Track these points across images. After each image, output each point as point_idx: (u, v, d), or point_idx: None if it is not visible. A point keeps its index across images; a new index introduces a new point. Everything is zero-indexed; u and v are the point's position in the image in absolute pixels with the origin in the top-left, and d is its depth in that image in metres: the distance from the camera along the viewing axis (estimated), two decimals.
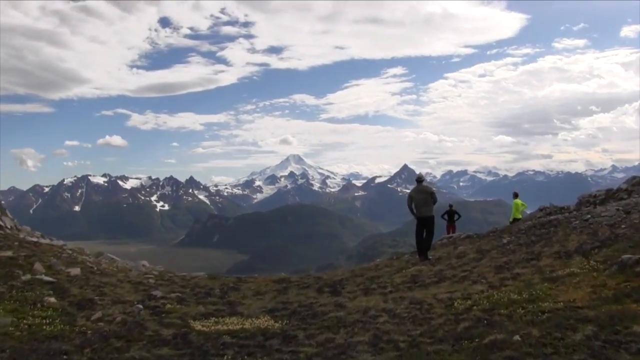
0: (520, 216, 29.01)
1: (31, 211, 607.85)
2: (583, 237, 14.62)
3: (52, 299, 11.12)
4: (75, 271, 14.64)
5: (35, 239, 19.26)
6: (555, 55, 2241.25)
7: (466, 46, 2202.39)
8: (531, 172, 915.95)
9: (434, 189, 19.89)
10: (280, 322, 10.23)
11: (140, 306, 11.31)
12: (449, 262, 15.99)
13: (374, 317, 9.98)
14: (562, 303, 8.80)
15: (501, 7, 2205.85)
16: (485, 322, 8.47)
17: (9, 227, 20.47)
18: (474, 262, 15.02)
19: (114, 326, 9.69)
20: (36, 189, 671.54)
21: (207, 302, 12.72)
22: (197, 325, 9.97)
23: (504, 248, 16.41)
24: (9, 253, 14.85)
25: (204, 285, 15.78)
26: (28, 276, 12.89)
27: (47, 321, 9.54)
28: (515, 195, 30.21)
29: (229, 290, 14.76)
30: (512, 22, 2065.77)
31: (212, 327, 9.84)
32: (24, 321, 9.46)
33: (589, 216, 17.77)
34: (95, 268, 16.45)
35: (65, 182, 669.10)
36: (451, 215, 32.51)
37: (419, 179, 19.50)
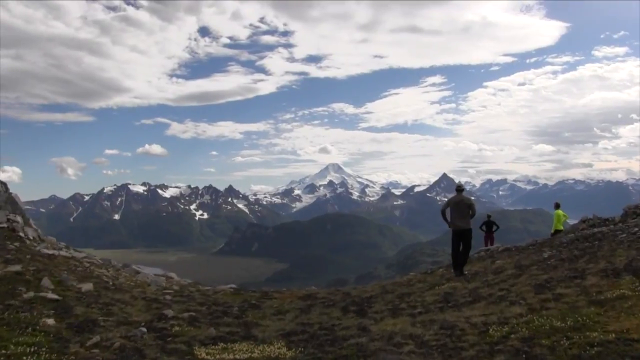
0: (562, 227, 27.90)
1: (71, 219, 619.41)
2: (632, 253, 13.42)
3: (50, 321, 10.06)
4: (87, 287, 13.73)
5: (52, 252, 18.38)
6: (595, 63, 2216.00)
7: (505, 54, 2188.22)
8: (571, 181, 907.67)
9: (473, 199, 19.01)
10: (294, 349, 9.17)
11: (144, 329, 10.29)
12: (485, 279, 14.83)
13: (399, 346, 8.80)
14: (613, 334, 7.52)
15: (540, 15, 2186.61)
16: (524, 355, 7.28)
17: (30, 237, 19.87)
18: (512, 279, 13.84)
19: (109, 354, 8.63)
20: (76, 198, 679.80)
21: (221, 323, 11.72)
22: (202, 353, 8.93)
23: (544, 263, 15.24)
24: (17, 268, 13.96)
25: (223, 302, 14.87)
26: (31, 294, 11.90)
27: (32, 350, 8.13)
28: (557, 206, 28.93)
29: (249, 308, 13.83)
30: (551, 30, 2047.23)
31: (217, 356, 8.81)
32: (3, 351, 8.04)
33: (637, 229, 16.58)
34: (111, 283, 15.61)
35: (105, 191, 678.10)
36: (489, 225, 31.26)
37: (459, 188, 18.49)
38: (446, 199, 19.60)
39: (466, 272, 17.71)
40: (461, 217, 17.78)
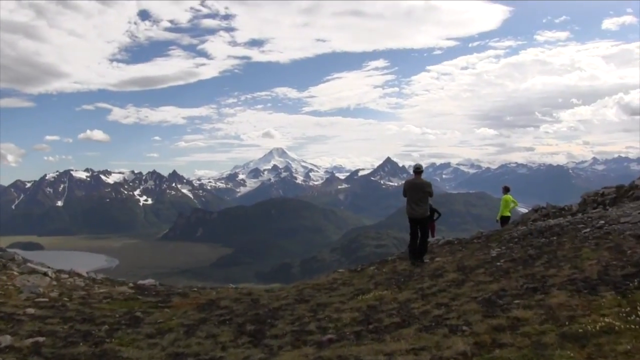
0: (509, 214, 25.26)
1: (13, 207, 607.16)
2: (603, 255, 10.63)
3: None
4: None
5: None
6: (537, 47, 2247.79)
7: (448, 39, 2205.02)
8: (513, 165, 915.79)
9: (427, 180, 16.71)
10: None
11: None
12: (421, 286, 11.92)
13: None
14: None
15: None
16: None
17: None
18: (453, 288, 10.93)
19: None
20: (17, 185, 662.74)
21: (67, 356, 8.66)
22: None
23: (493, 265, 12.46)
24: None
25: (100, 315, 11.90)
26: None
27: None
28: (506, 190, 25.99)
29: (124, 326, 10.90)
30: (494, 15, 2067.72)
31: None
32: None
33: (602, 222, 13.98)
34: None
35: (47, 177, 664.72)
36: (430, 213, 28.47)
37: (417, 170, 16.53)
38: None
39: (426, 261, 16.43)
40: (420, 204, 16.44)
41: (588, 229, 13.68)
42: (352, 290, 13.35)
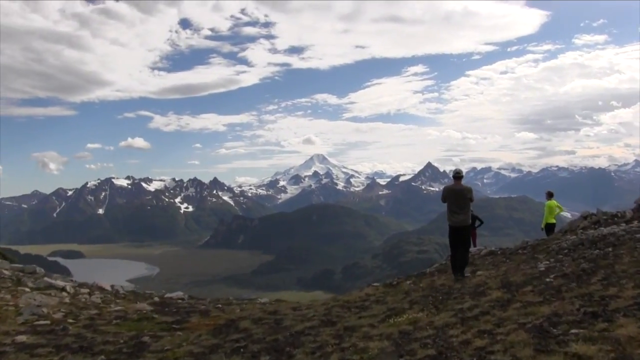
0: (554, 221, 23.69)
1: (55, 215, 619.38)
2: None
3: None
4: None
5: None
6: (575, 51, 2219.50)
7: (487, 43, 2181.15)
8: (555, 168, 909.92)
9: (468, 185, 15.56)
10: None
11: None
12: (461, 307, 10.50)
13: None
14: None
15: (521, 4, 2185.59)
16: None
17: None
18: (498, 310, 9.49)
19: None
20: (59, 193, 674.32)
21: None
22: None
23: (542, 281, 10.98)
24: None
25: (101, 342, 10.55)
26: None
27: None
28: (550, 195, 24.45)
29: (124, 356, 9.61)
30: (532, 19, 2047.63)
31: None
32: None
33: None
34: None
35: (88, 185, 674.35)
36: (472, 220, 26.88)
37: (457, 175, 15.37)
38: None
39: (467, 275, 15.10)
40: (461, 211, 15.14)
41: None
42: (385, 309, 12.00)
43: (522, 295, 10.16)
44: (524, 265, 14.07)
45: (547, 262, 13.37)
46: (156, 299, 17.22)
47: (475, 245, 25.99)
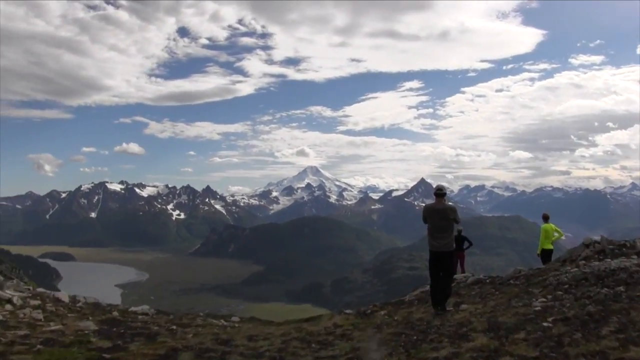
0: (551, 247, 21.49)
1: (47, 216, 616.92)
2: None
3: None
4: None
5: None
6: (572, 71, 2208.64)
7: (483, 60, 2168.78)
8: (549, 188, 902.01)
9: (451, 204, 13.58)
10: None
11: None
12: (436, 355, 8.38)
13: None
14: None
15: (517, 22, 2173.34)
16: None
17: None
18: None
19: None
20: (53, 195, 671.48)
21: None
22: None
23: (538, 326, 8.84)
24: None
25: None
26: None
27: None
28: (546, 218, 21.96)
29: None
30: (528, 38, 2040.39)
31: None
32: None
33: None
34: None
35: (82, 189, 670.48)
36: (459, 242, 24.66)
37: (438, 192, 13.47)
38: (424, 204, 13.96)
39: (450, 308, 13.13)
40: (442, 234, 13.05)
41: None
42: (348, 349, 9.93)
43: (513, 345, 8.03)
44: (516, 300, 11.91)
45: (544, 300, 11.20)
46: (115, 313, 15.59)
47: (463, 270, 24.00)
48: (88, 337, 11.64)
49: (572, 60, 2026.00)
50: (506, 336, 8.67)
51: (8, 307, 13.91)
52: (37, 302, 15.11)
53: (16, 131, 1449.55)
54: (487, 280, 16.13)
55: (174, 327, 14.22)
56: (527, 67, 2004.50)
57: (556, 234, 21.79)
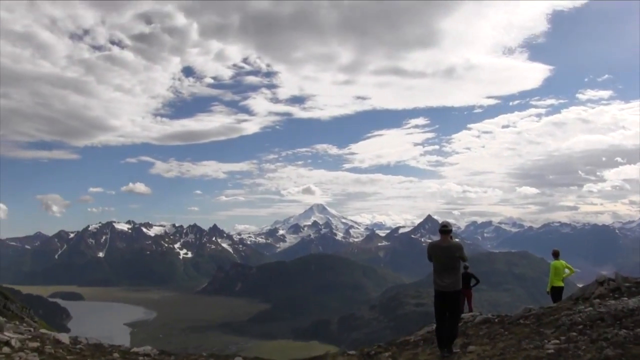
0: (562, 284, 20.75)
1: (56, 257, 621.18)
2: None
3: None
4: None
5: None
6: (579, 106, 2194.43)
7: (489, 97, 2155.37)
8: (557, 224, 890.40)
9: (457, 241, 12.84)
10: None
11: None
12: None
13: None
14: None
15: (523, 58, 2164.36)
16: None
17: None
18: None
19: None
20: (61, 235, 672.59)
21: None
22: None
23: None
24: None
25: None
26: None
27: None
28: (556, 255, 21.31)
29: None
30: (535, 73, 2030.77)
31: None
32: None
33: None
34: None
35: (89, 229, 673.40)
36: (467, 279, 23.88)
37: (444, 229, 12.69)
38: (429, 242, 13.27)
39: (457, 350, 12.36)
40: (448, 273, 12.45)
41: None
42: None
43: None
44: (527, 342, 11.18)
45: (557, 342, 10.46)
46: (116, 355, 14.97)
47: (470, 309, 23.26)
48: None
49: (580, 95, 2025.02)
50: None
51: (5, 349, 13.46)
52: (35, 344, 14.63)
53: (24, 172, 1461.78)
54: (496, 320, 15.39)
55: None
56: (533, 102, 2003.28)
57: (567, 271, 21.08)
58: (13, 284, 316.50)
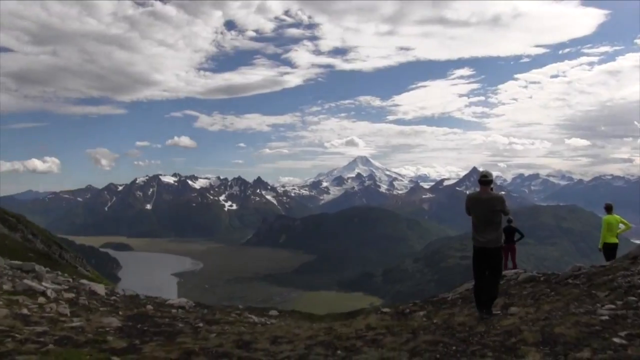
0: (616, 240, 19.03)
1: (106, 209, 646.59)
2: None
3: None
4: None
5: None
6: (637, 53, 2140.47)
7: (537, 46, 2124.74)
8: (609, 177, 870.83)
9: (502, 194, 11.62)
10: None
11: None
12: None
13: None
14: None
15: (575, 4, 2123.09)
16: None
17: None
18: None
19: None
20: (110, 188, 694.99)
21: None
22: None
23: (607, 342, 6.92)
24: None
25: None
26: None
27: None
28: (609, 209, 19.56)
29: None
30: (588, 20, 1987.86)
31: None
32: None
33: None
34: None
35: (137, 182, 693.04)
36: (510, 233, 22.41)
37: (484, 179, 11.42)
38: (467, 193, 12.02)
39: (497, 312, 11.21)
40: (488, 227, 11.23)
41: None
42: (377, 358, 8.25)
43: None
44: (576, 305, 9.81)
45: (612, 307, 9.06)
46: (149, 307, 15.15)
47: (514, 265, 21.94)
48: (105, 336, 10.36)
49: (638, 41, 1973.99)
50: (565, 353, 6.81)
51: (41, 299, 13.40)
52: (70, 295, 14.79)
53: (74, 127, 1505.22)
54: (542, 278, 14.12)
55: (201, 324, 12.93)
56: (585, 50, 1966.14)
57: (622, 226, 19.33)
58: (67, 234, 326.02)
